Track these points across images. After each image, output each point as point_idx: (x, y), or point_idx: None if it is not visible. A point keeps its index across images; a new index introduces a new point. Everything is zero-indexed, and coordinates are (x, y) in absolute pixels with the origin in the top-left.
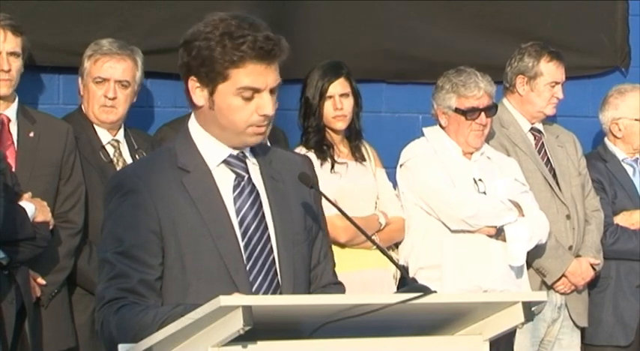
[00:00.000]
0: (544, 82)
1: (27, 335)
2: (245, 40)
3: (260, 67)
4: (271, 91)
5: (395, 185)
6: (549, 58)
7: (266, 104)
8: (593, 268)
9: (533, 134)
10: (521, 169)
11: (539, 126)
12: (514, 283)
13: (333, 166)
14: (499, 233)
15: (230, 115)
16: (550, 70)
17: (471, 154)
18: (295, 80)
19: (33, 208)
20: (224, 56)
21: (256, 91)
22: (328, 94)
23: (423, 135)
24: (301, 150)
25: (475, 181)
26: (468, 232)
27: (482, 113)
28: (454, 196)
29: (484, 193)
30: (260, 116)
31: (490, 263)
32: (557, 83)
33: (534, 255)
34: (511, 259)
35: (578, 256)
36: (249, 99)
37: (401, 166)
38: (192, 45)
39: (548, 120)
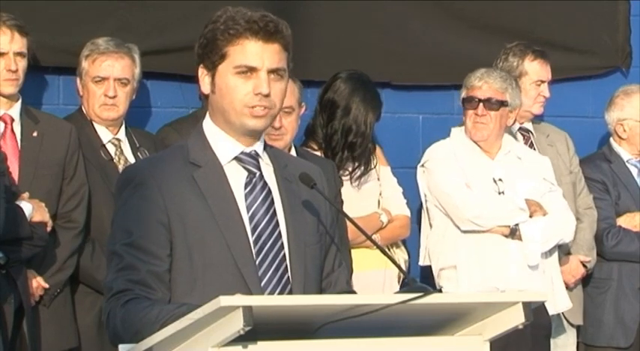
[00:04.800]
0: (529, 80)
1: (25, 335)
2: (242, 18)
3: (256, 44)
4: (273, 74)
5: (398, 182)
6: (533, 57)
7: (262, 83)
8: (585, 266)
9: (522, 134)
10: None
11: (529, 125)
12: (532, 282)
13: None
14: (514, 233)
15: (228, 95)
16: (535, 69)
17: (496, 152)
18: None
19: (30, 207)
20: (223, 34)
21: (253, 70)
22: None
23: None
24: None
25: (495, 181)
26: (479, 232)
27: (481, 104)
28: (460, 198)
29: (503, 192)
30: (256, 95)
31: (507, 263)
32: (542, 82)
33: None
34: (526, 259)
35: (569, 253)
36: (246, 78)
37: (422, 165)
38: (203, 32)
39: (548, 119)
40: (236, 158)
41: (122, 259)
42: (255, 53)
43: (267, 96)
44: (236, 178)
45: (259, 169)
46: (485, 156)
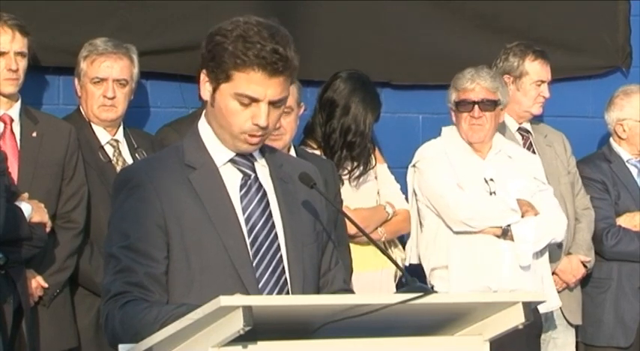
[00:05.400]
0: (530, 80)
1: (24, 335)
2: (253, 47)
3: (261, 77)
4: (273, 104)
5: (397, 181)
6: (534, 57)
7: (261, 115)
8: (585, 266)
9: (521, 134)
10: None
11: (527, 126)
12: (524, 282)
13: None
14: (506, 233)
15: (227, 117)
16: (535, 69)
17: (487, 151)
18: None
19: (29, 208)
20: (231, 57)
21: (254, 100)
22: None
23: (435, 134)
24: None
25: (486, 181)
26: (472, 233)
27: (476, 106)
28: (452, 199)
29: (494, 192)
30: (253, 125)
31: (499, 263)
32: (542, 82)
33: None
34: (517, 259)
35: (569, 253)
36: (246, 105)
37: (413, 166)
38: (212, 38)
39: (548, 119)
40: (231, 160)
41: (119, 262)
42: (259, 85)
43: (264, 127)
44: (231, 180)
45: (254, 171)
46: (476, 156)
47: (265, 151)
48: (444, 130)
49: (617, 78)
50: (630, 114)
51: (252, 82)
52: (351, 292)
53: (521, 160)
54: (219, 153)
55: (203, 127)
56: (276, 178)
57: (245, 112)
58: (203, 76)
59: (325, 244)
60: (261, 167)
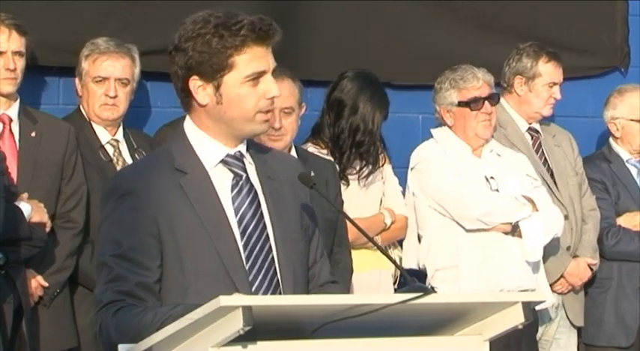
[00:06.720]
0: (542, 82)
1: (24, 335)
2: (242, 25)
3: (261, 49)
4: (274, 72)
5: (398, 183)
6: (548, 59)
7: (271, 87)
8: (591, 268)
9: (530, 134)
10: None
11: (537, 126)
12: (532, 279)
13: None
14: (514, 230)
15: (240, 104)
16: (548, 71)
17: (480, 150)
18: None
19: (29, 208)
20: (225, 45)
21: (261, 74)
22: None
23: (430, 136)
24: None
25: (487, 179)
26: (484, 230)
27: (486, 102)
28: (467, 196)
29: (496, 190)
30: (267, 99)
31: (507, 261)
32: (555, 84)
33: None
34: (528, 255)
35: (575, 256)
36: (255, 84)
37: (412, 169)
38: (186, 45)
39: (547, 120)
40: (222, 161)
41: (111, 271)
42: (262, 58)
43: (276, 97)
44: (222, 181)
45: (245, 171)
46: (473, 155)
47: (250, 147)
48: (435, 132)
49: (615, 78)
50: (622, 113)
51: (256, 58)
52: (337, 283)
53: (510, 158)
54: (209, 155)
55: (190, 129)
56: (263, 176)
57: (255, 92)
58: (194, 83)
59: (311, 236)
60: (249, 165)
